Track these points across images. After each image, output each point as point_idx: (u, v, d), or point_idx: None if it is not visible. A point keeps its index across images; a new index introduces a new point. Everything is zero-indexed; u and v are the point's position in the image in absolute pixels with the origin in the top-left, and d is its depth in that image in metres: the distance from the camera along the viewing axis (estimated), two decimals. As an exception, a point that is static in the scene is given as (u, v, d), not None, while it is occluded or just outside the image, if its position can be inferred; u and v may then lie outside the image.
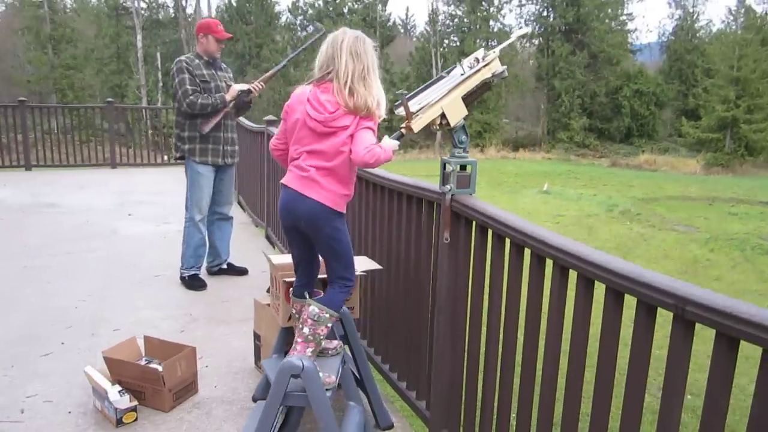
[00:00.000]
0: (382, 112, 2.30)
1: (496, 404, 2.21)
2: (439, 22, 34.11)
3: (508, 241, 2.11)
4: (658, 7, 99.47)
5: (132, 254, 5.17)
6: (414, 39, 39.33)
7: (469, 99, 2.38)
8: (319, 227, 2.31)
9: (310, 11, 34.81)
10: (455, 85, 2.32)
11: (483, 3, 33.28)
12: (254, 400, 2.78)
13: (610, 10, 33.46)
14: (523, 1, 34.85)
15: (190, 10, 34.80)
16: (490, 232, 2.22)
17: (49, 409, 2.79)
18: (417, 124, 2.28)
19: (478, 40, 32.72)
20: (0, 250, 5.20)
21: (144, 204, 7.18)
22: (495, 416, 2.23)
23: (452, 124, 2.31)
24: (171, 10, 35.20)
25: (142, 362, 3.01)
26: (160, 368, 2.81)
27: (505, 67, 2.40)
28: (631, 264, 1.63)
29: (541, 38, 34.68)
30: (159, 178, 9.28)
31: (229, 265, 4.63)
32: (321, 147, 2.28)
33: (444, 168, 2.40)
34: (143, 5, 34.29)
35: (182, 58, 4.23)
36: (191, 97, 4.09)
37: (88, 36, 33.14)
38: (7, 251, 5.18)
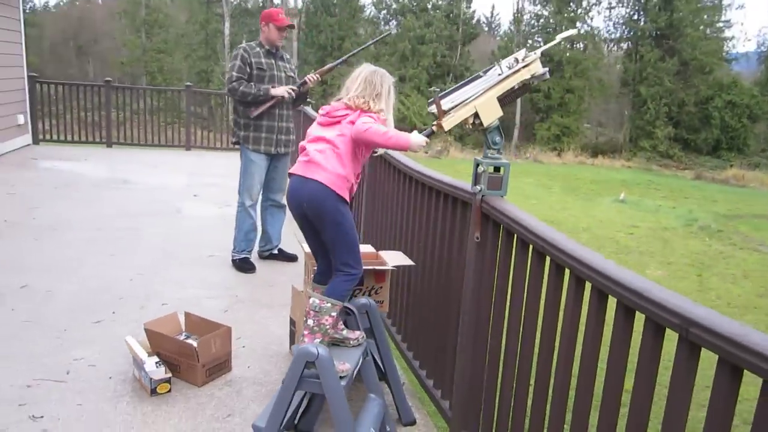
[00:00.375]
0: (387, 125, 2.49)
1: (511, 411, 2.19)
2: (523, 21, 33.50)
3: (531, 247, 2.08)
4: (759, 15, 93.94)
5: (191, 233, 5.37)
6: (497, 38, 38.83)
7: (505, 100, 2.35)
8: (321, 209, 2.39)
9: (394, 6, 34.82)
10: (491, 85, 2.29)
11: (571, 4, 32.43)
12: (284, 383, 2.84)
13: (706, 16, 31.94)
14: (613, 3, 33.79)
15: (277, 0, 35.55)
16: (515, 236, 2.19)
17: (92, 373, 2.95)
18: (448, 123, 2.27)
19: (562, 42, 31.95)
20: (72, 221, 5.51)
21: (210, 186, 7.43)
22: (510, 423, 2.21)
23: (485, 125, 2.29)
24: (259, 1, 36.09)
25: (181, 337, 3.14)
26: (195, 344, 2.92)
27: (546, 69, 2.36)
28: (642, 279, 1.58)
29: (629, 42, 33.49)
30: (228, 162, 9.55)
31: (280, 250, 4.74)
32: (323, 134, 2.45)
33: (476, 168, 2.38)
34: (234, -6, 35.30)
35: (243, 44, 4.34)
36: (234, 84, 4.20)
37: (180, 21, 34.44)
38: (78, 222, 5.49)
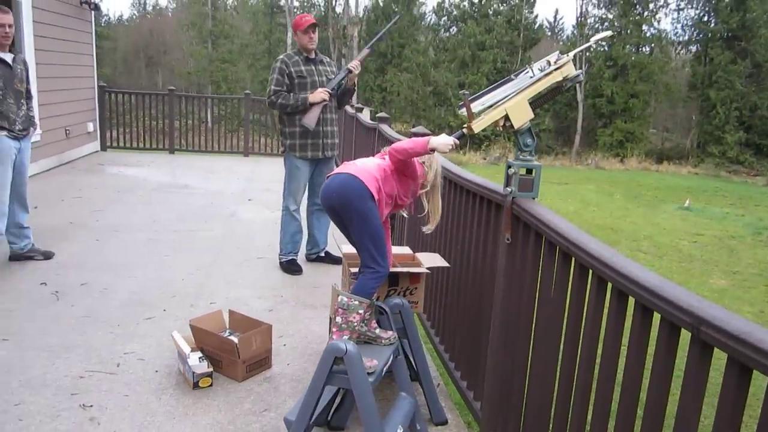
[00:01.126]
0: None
1: (538, 414, 2.19)
2: (587, 25, 32.87)
3: (558, 248, 2.07)
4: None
5: (243, 236, 5.54)
6: (560, 43, 38.25)
7: (537, 102, 2.35)
8: (348, 200, 2.43)
9: (455, 12, 34.83)
10: (522, 87, 2.30)
11: (637, 6, 31.64)
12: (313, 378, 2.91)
13: (782, 16, 30.63)
14: (682, 5, 32.78)
15: (339, 9, 36.11)
16: (543, 238, 2.19)
17: (140, 366, 3.09)
18: (478, 125, 2.30)
19: (628, 46, 31.18)
20: (133, 222, 5.77)
21: (265, 191, 7.63)
22: (537, 426, 2.20)
23: (516, 127, 2.30)
24: (322, 9, 36.72)
25: (225, 334, 3.26)
26: (236, 341, 3.02)
27: (580, 71, 2.35)
28: (658, 278, 1.57)
29: (698, 45, 32.39)
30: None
31: (327, 253, 4.84)
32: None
33: (508, 170, 2.40)
34: (296, 4, 36.08)
35: (282, 56, 4.43)
36: (272, 98, 4.33)
37: (244, 32, 35.45)
38: (138, 224, 5.74)
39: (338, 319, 2.42)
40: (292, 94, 4.34)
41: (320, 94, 4.32)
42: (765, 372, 1.20)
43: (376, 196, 2.45)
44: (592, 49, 30.86)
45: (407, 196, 2.67)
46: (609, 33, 2.73)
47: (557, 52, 2.41)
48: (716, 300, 8.00)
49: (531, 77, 2.33)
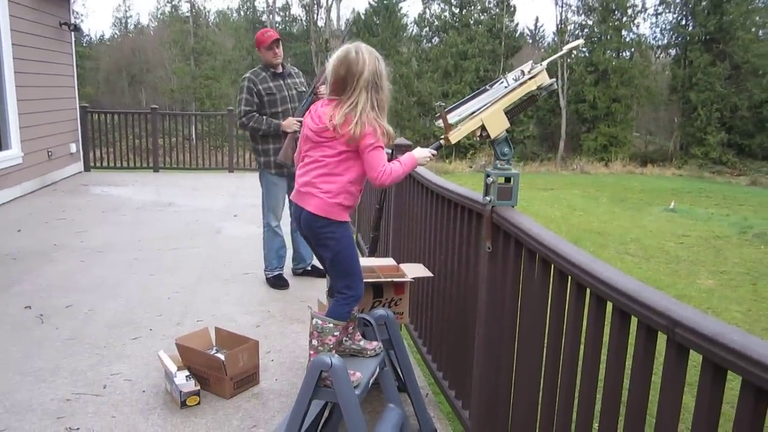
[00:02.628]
0: (382, 139, 2.31)
1: (523, 420, 2.20)
2: (567, 32, 33.19)
3: (537, 255, 2.09)
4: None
5: (229, 252, 5.53)
6: (542, 50, 38.57)
7: (513, 112, 2.38)
8: (313, 236, 2.43)
9: (437, 23, 35.05)
10: (498, 98, 2.33)
11: (616, 12, 32.02)
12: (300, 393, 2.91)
13: (758, 18, 31.03)
14: (660, 10, 33.21)
15: (320, 23, 36.25)
16: (523, 246, 2.21)
17: (127, 387, 3.07)
18: (455, 136, 2.32)
19: (608, 51, 31.49)
20: (117, 243, 5.74)
21: (250, 206, 7.60)
22: None
23: (492, 137, 2.33)
24: (304, 23, 36.86)
25: (212, 351, 3.25)
26: (223, 358, 3.01)
27: (553, 80, 2.39)
28: (635, 283, 1.59)
29: (677, 48, 32.78)
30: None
31: (313, 267, 4.83)
32: (315, 155, 2.37)
33: (486, 179, 2.42)
34: (278, 19, 36.19)
35: (248, 74, 4.36)
36: (243, 119, 4.30)
37: (227, 48, 35.44)
38: (122, 244, 5.72)
39: (314, 342, 2.43)
40: (264, 117, 4.30)
41: (293, 124, 4.18)
42: (738, 372, 1.22)
43: (346, 217, 2.42)
44: (573, 55, 31.16)
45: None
46: (581, 42, 2.75)
47: (530, 61, 2.45)
48: (704, 300, 8.07)
49: (506, 87, 2.36)
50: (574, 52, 31.57)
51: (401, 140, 4.18)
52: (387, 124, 2.33)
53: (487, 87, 2.41)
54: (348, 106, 2.26)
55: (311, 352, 2.45)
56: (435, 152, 2.43)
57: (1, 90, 7.61)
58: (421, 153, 2.43)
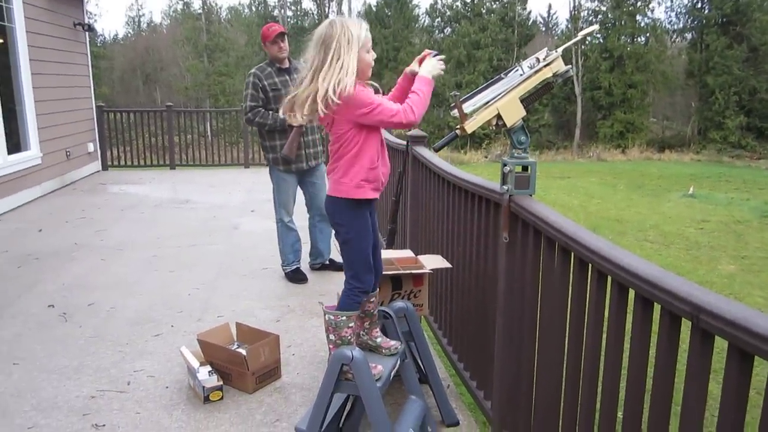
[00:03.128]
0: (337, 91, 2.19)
1: (546, 410, 2.19)
2: (581, 18, 32.89)
3: (557, 244, 2.08)
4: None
5: (247, 248, 5.55)
6: (555, 37, 38.27)
7: (529, 100, 2.36)
8: (332, 220, 2.45)
9: (448, 13, 34.88)
10: (513, 86, 2.31)
11: (630, -3, 31.73)
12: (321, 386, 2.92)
13: (775, -2, 30.59)
14: (675, -7, 32.86)
15: (332, 16, 36.19)
16: (542, 234, 2.19)
17: (151, 383, 3.10)
18: (470, 126, 2.30)
19: (623, 37, 31.15)
20: (136, 240, 5.80)
21: (266, 201, 7.57)
22: (545, 423, 2.21)
23: (508, 125, 2.31)
24: (315, 17, 36.85)
25: (233, 346, 3.27)
26: (245, 352, 3.03)
27: (569, 67, 2.36)
28: (657, 269, 1.57)
29: (693, 32, 32.37)
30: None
31: (331, 261, 4.84)
32: (331, 147, 2.40)
33: (503, 168, 2.40)
34: (289, 14, 36.22)
35: (253, 70, 4.36)
36: (249, 115, 4.30)
37: (239, 44, 35.56)
38: (141, 241, 5.77)
39: (331, 337, 2.43)
40: (270, 112, 4.29)
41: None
42: (765, 357, 1.20)
43: (360, 194, 2.36)
44: (587, 42, 30.88)
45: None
46: (596, 27, 2.72)
47: (545, 48, 2.42)
48: (726, 286, 7.98)
49: (521, 75, 2.34)
50: (589, 38, 31.29)
51: (415, 132, 4.16)
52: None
53: (502, 75, 2.39)
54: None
55: (330, 347, 2.45)
56: (443, 65, 2.36)
57: (19, 91, 7.69)
58: (431, 66, 2.33)
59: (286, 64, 4.40)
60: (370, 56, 2.33)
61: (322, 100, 2.19)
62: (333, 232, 2.90)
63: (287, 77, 4.33)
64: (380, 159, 2.39)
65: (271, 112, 4.30)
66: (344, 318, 2.41)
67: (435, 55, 2.36)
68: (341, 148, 2.33)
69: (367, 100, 2.24)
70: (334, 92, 2.17)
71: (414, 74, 2.39)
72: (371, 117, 2.25)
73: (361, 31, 2.27)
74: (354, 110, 2.24)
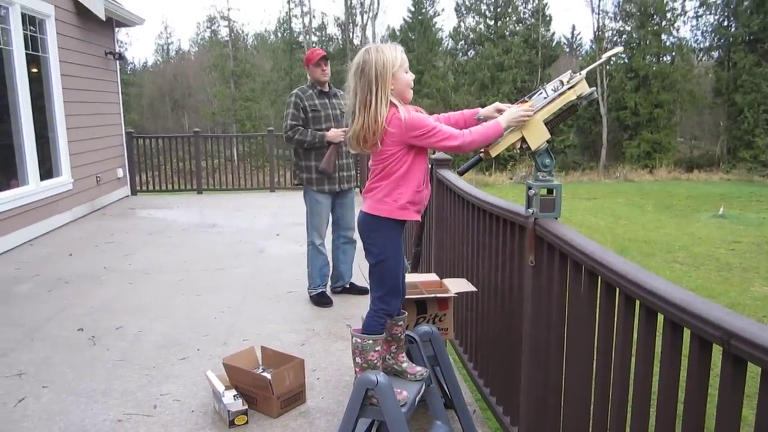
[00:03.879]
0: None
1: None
2: (605, 39, 32.82)
3: (583, 268, 2.05)
4: None
5: (272, 271, 5.58)
6: (579, 58, 38.17)
7: (553, 122, 2.36)
8: (363, 239, 2.45)
9: (472, 35, 35.08)
10: (537, 109, 2.31)
11: (654, 17, 31.53)
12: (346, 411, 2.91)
13: (803, 15, 30.20)
14: (700, 12, 32.59)
15: (356, 41, 36.62)
16: (568, 258, 2.17)
17: (177, 407, 3.12)
18: (495, 150, 2.30)
19: (648, 56, 30.99)
20: (163, 264, 5.87)
21: (291, 225, 7.69)
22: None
23: (533, 148, 2.30)
24: (340, 42, 37.30)
25: (258, 370, 3.27)
26: (270, 377, 3.03)
27: (593, 89, 2.35)
28: (686, 293, 1.54)
29: (720, 50, 32.07)
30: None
31: (352, 284, 4.84)
32: (374, 167, 2.42)
33: (528, 191, 2.39)
34: (314, 39, 36.72)
35: (296, 91, 4.49)
36: (289, 133, 4.37)
37: (265, 70, 36.11)
38: (169, 265, 5.84)
39: (358, 360, 2.43)
40: (309, 130, 4.38)
41: (338, 135, 4.34)
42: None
43: (403, 215, 2.38)
44: (612, 62, 30.76)
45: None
46: (620, 49, 2.69)
47: (569, 71, 2.42)
48: (759, 308, 7.80)
49: (545, 98, 2.34)
50: (613, 58, 31.18)
51: (440, 155, 4.17)
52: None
53: (526, 98, 2.39)
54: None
55: (357, 370, 2.45)
56: (530, 111, 2.30)
57: (52, 119, 7.89)
58: (510, 115, 2.29)
59: (327, 88, 4.50)
60: (409, 76, 2.37)
61: (377, 132, 2.26)
62: (360, 252, 2.91)
63: (327, 101, 4.46)
64: (425, 182, 2.42)
65: (309, 129, 4.38)
66: (371, 342, 2.40)
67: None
68: (388, 167, 2.35)
69: (422, 123, 2.28)
70: (383, 121, 2.25)
71: (479, 118, 2.45)
72: (425, 139, 2.28)
73: (396, 53, 2.32)
74: (408, 132, 2.27)
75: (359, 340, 2.41)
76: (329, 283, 4.83)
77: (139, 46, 58.04)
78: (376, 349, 2.41)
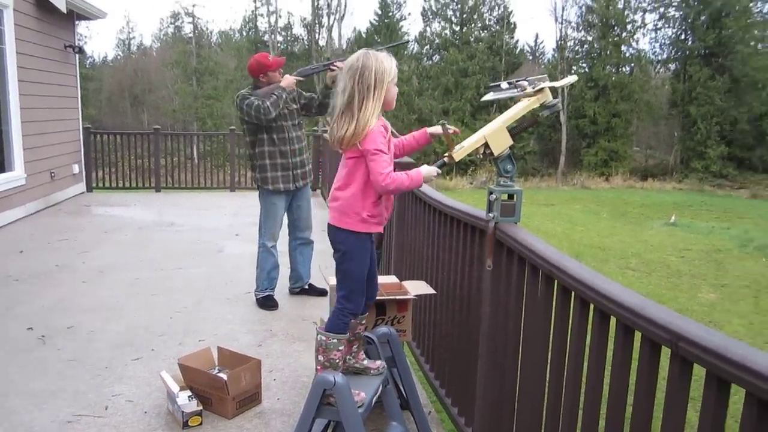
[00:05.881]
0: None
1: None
2: (567, 48, 33.40)
3: (540, 272, 2.09)
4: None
5: (231, 272, 5.52)
6: (542, 66, 38.74)
7: (515, 130, 2.39)
8: (333, 245, 2.46)
9: (437, 40, 35.27)
10: (501, 115, 2.34)
11: (615, 28, 32.24)
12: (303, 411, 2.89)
13: (756, 32, 31.21)
14: (659, 25, 33.45)
15: (322, 42, 36.51)
16: (526, 262, 2.20)
17: (129, 408, 3.06)
18: (459, 154, 2.33)
19: (608, 66, 31.66)
20: (119, 263, 5.74)
21: (251, 225, 7.56)
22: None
23: (495, 154, 2.33)
24: (305, 43, 37.13)
25: (215, 371, 3.23)
26: (225, 377, 3.00)
27: (557, 100, 2.40)
28: (639, 297, 1.58)
29: (677, 63, 32.97)
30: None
31: (311, 286, 4.82)
32: (340, 170, 2.43)
33: (489, 196, 2.42)
34: (279, 39, 36.48)
35: (242, 91, 4.34)
36: (257, 103, 4.16)
37: (229, 68, 35.66)
38: (124, 264, 5.72)
39: (320, 358, 2.43)
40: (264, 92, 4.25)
41: (292, 82, 4.25)
42: (741, 385, 1.21)
43: (364, 228, 2.41)
44: (574, 71, 31.33)
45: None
46: (574, 78, 2.75)
47: (546, 75, 2.46)
48: (706, 314, 8.04)
49: (520, 91, 2.37)
50: (574, 67, 31.80)
51: (403, 159, 4.17)
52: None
53: (501, 85, 2.43)
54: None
55: (318, 367, 2.45)
56: (439, 170, 2.43)
57: (6, 112, 7.66)
58: (428, 170, 2.41)
59: None
60: (395, 90, 2.40)
61: (360, 135, 2.27)
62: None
63: None
64: (385, 196, 2.43)
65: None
66: (335, 341, 2.41)
67: (443, 124, 2.41)
68: (350, 174, 2.37)
69: (375, 145, 2.28)
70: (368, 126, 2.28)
71: (430, 135, 2.53)
72: (369, 155, 2.29)
73: (392, 64, 2.35)
74: (366, 144, 2.28)
75: (324, 338, 2.41)
76: (288, 283, 4.79)
77: (99, 40, 56.46)
78: (339, 348, 2.41)
